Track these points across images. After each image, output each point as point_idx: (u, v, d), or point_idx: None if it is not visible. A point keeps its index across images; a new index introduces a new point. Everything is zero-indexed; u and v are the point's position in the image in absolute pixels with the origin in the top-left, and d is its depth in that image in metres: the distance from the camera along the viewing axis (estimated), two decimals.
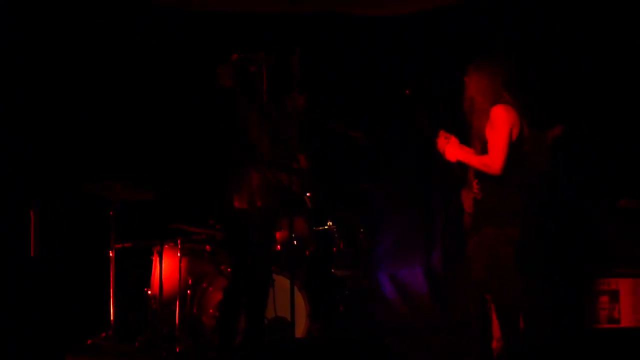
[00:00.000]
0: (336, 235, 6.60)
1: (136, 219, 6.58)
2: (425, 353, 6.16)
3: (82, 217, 6.65)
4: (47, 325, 5.31)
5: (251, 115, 5.43)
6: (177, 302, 6.07)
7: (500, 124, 5.03)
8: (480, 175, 5.13)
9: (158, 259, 6.24)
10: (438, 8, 7.34)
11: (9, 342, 5.14)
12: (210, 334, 5.98)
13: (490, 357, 5.31)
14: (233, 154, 5.56)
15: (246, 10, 7.22)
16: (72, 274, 6.28)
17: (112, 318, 6.11)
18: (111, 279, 6.15)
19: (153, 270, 6.37)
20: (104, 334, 6.11)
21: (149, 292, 6.35)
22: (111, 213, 6.18)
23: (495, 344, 6.12)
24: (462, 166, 5.20)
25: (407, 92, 5.36)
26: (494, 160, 5.01)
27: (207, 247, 6.40)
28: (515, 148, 5.06)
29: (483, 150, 5.11)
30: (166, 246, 6.28)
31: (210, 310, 6.05)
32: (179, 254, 6.19)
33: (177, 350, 5.93)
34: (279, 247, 6.34)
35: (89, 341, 6.12)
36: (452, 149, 5.17)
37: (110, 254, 6.19)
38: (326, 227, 6.65)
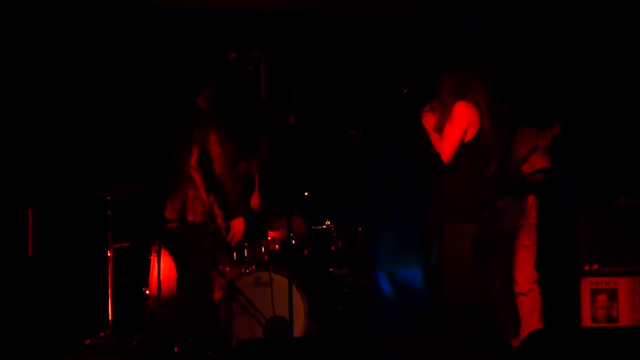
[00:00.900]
0: (334, 235, 6.60)
1: (134, 219, 6.57)
2: (424, 352, 6.15)
3: (80, 217, 6.64)
4: (45, 325, 5.30)
5: (210, 131, 5.58)
6: (175, 302, 6.06)
7: (456, 119, 5.42)
8: (446, 170, 5.41)
9: (156, 258, 6.23)
10: (438, 7, 7.34)
11: (7, 341, 5.14)
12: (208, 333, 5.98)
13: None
14: (178, 162, 5.69)
15: (244, 7, 7.21)
16: (70, 274, 6.27)
17: (110, 317, 6.11)
18: (109, 278, 6.15)
19: (151, 270, 6.37)
20: (102, 334, 6.11)
21: (147, 291, 6.34)
22: (109, 212, 6.17)
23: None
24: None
25: (405, 91, 5.39)
26: (443, 150, 5.39)
27: (205, 246, 6.39)
28: (471, 144, 5.26)
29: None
30: (164, 245, 6.27)
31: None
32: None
33: (175, 349, 5.92)
34: (277, 246, 6.34)
35: (88, 341, 6.13)
36: (429, 119, 5.37)
37: (108, 254, 6.19)
38: (324, 226, 6.65)
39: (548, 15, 6.83)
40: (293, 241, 6.32)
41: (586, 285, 6.20)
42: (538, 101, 6.70)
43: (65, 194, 6.44)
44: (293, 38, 7.15)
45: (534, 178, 6.00)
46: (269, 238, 6.35)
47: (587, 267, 6.23)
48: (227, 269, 6.23)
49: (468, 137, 5.50)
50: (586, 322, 6.16)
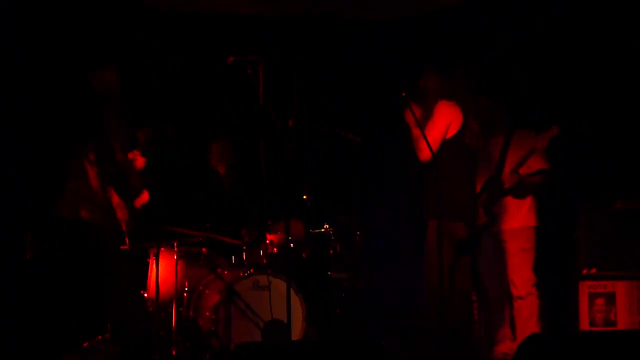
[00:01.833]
0: (333, 238, 6.60)
1: (133, 222, 6.56)
2: (422, 355, 6.14)
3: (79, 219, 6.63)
4: (43, 328, 5.30)
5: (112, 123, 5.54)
6: (174, 305, 6.06)
7: (438, 118, 5.45)
8: (427, 167, 5.41)
9: (154, 261, 6.23)
10: (438, 9, 7.35)
11: (5, 343, 5.13)
12: (206, 336, 5.97)
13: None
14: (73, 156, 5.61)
15: (245, 13, 7.22)
16: (68, 277, 6.25)
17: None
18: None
19: (149, 273, 6.37)
20: (100, 337, 6.10)
21: (145, 294, 6.34)
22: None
23: (489, 348, 6.14)
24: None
25: (403, 93, 5.39)
26: (422, 148, 5.37)
27: (204, 250, 6.40)
28: (452, 143, 5.29)
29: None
30: (162, 249, 6.27)
31: (207, 313, 6.04)
32: (175, 257, 6.19)
33: (174, 353, 5.92)
34: (275, 250, 6.34)
35: (85, 344, 6.12)
36: (408, 111, 5.39)
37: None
38: (323, 229, 6.65)
39: (548, 15, 6.83)
40: (291, 245, 6.33)
41: (584, 288, 6.20)
42: (536, 103, 6.71)
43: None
44: (292, 40, 7.15)
45: (532, 180, 6.01)
46: (268, 241, 6.35)
47: (585, 271, 6.23)
48: (226, 272, 6.23)
49: (449, 135, 5.48)
50: (584, 325, 6.16)
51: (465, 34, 7.09)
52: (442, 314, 5.24)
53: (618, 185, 6.47)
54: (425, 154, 5.39)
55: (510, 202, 6.03)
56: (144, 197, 6.05)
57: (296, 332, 5.87)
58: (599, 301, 6.18)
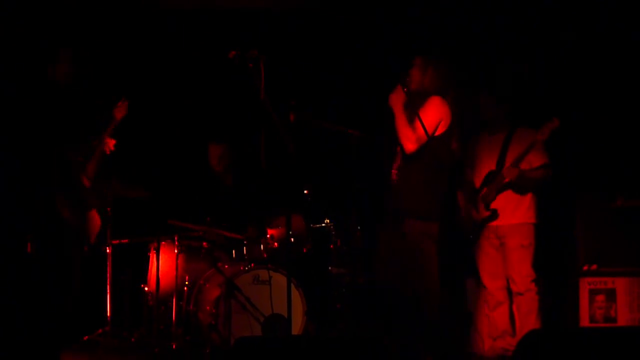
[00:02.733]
0: (333, 233, 6.60)
1: (133, 216, 6.57)
2: (423, 350, 6.15)
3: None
4: (43, 321, 5.30)
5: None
6: (174, 299, 6.07)
7: (431, 112, 5.25)
8: (403, 159, 5.29)
9: (155, 255, 6.24)
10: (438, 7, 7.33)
11: (5, 338, 5.14)
12: (207, 330, 5.98)
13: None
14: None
15: (244, 7, 7.21)
16: (68, 270, 6.26)
17: (108, 314, 6.10)
18: (108, 275, 6.15)
19: (150, 267, 6.38)
20: (100, 330, 6.12)
21: (146, 288, 6.35)
22: (108, 209, 6.17)
23: (488, 343, 6.14)
24: None
25: (405, 89, 5.37)
26: (412, 139, 5.22)
27: (204, 244, 6.41)
28: (439, 141, 5.21)
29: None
30: (163, 243, 6.28)
31: (207, 307, 6.05)
32: (175, 251, 6.20)
33: (174, 346, 5.93)
34: (276, 244, 6.35)
35: (86, 337, 6.13)
36: (396, 97, 5.29)
37: (107, 250, 6.18)
38: (323, 224, 6.65)
39: (548, 14, 6.83)
40: (292, 239, 6.33)
41: (584, 285, 6.20)
42: (537, 99, 6.71)
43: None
44: (293, 36, 7.14)
45: (533, 175, 6.01)
46: (268, 236, 6.36)
47: (585, 267, 6.24)
48: (226, 266, 6.24)
49: (438, 133, 5.35)
50: (584, 322, 6.17)
51: (466, 33, 7.08)
52: (442, 308, 5.24)
53: (618, 182, 6.47)
54: (412, 146, 5.24)
55: (510, 198, 6.03)
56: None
57: (296, 327, 5.88)
58: (599, 298, 6.19)
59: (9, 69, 5.90)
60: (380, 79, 7.48)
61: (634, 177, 6.44)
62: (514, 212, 6.03)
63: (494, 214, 6.03)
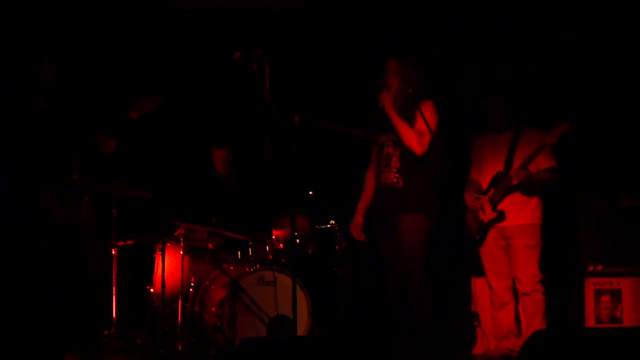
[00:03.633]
0: (338, 234, 6.60)
1: (138, 217, 6.57)
2: (427, 351, 6.14)
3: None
4: (48, 322, 5.30)
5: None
6: (179, 300, 6.07)
7: (433, 115, 5.45)
8: (405, 161, 5.39)
9: (160, 256, 6.24)
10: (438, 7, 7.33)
11: (10, 338, 5.14)
12: (212, 331, 5.99)
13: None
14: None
15: (247, 8, 7.21)
16: (74, 271, 6.26)
17: (114, 315, 6.11)
18: (113, 276, 6.15)
19: (155, 268, 6.38)
20: (105, 332, 6.12)
21: (151, 289, 6.35)
22: (114, 210, 6.17)
23: (493, 344, 6.14)
24: None
25: (410, 90, 5.38)
26: (423, 142, 5.39)
27: (210, 245, 6.41)
28: (438, 141, 5.33)
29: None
30: (168, 244, 6.28)
31: (212, 309, 6.06)
32: (181, 252, 6.19)
33: (179, 347, 5.93)
34: (281, 245, 6.34)
35: (90, 339, 6.13)
36: (387, 102, 5.36)
37: (113, 252, 6.19)
38: (328, 225, 6.65)
39: (547, 14, 6.83)
40: (297, 240, 6.33)
41: (590, 285, 6.19)
42: (544, 100, 6.70)
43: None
44: (297, 37, 7.14)
45: (541, 177, 6.00)
46: (273, 237, 6.36)
47: (591, 268, 6.23)
48: (231, 267, 6.24)
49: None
50: (590, 322, 6.16)
51: (467, 33, 7.07)
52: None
53: (623, 182, 6.46)
54: (421, 149, 5.39)
55: (516, 199, 6.02)
56: None
57: (301, 328, 5.88)
58: (605, 298, 6.18)
59: (9, 69, 5.92)
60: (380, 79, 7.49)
61: (638, 177, 6.43)
62: (519, 213, 6.03)
63: (501, 215, 6.02)
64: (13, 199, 5.47)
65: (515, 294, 6.08)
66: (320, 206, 6.66)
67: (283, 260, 6.27)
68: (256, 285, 6.01)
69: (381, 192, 5.58)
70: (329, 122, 5.87)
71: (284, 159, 5.16)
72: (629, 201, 6.29)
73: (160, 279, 6.11)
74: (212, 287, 6.18)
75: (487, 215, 6.05)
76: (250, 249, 6.42)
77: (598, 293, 6.17)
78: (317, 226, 6.64)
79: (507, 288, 6.10)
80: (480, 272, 6.24)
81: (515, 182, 5.95)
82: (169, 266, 6.19)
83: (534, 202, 6.04)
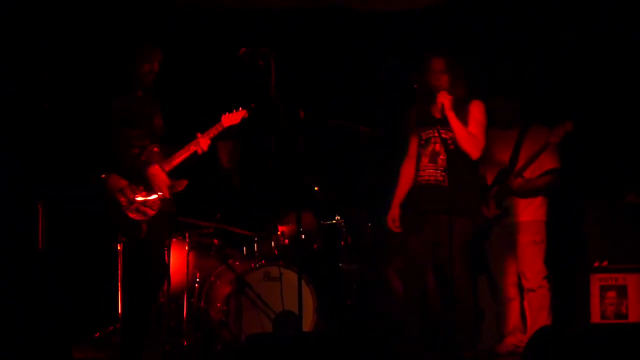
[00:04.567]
0: (344, 230, 6.60)
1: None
2: (432, 347, 6.15)
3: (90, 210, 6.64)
4: (54, 318, 5.31)
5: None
6: (185, 296, 6.08)
7: (484, 117, 5.40)
8: (454, 161, 5.28)
9: (166, 252, 6.24)
10: (439, 5, 7.32)
11: (17, 333, 5.15)
12: (217, 327, 5.99)
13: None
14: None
15: (252, 7, 7.22)
16: (79, 267, 6.28)
17: (119, 311, 6.11)
18: (119, 272, 6.15)
19: None
20: (111, 327, 6.13)
21: None
22: None
23: (508, 339, 6.13)
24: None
25: (416, 86, 5.38)
26: (479, 147, 5.35)
27: (215, 241, 6.41)
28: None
29: None
30: (174, 240, 6.28)
31: (218, 304, 6.06)
32: (186, 248, 6.20)
33: (184, 343, 5.94)
34: (287, 241, 6.35)
35: (97, 334, 6.15)
36: (447, 98, 5.31)
37: (118, 247, 6.18)
38: (334, 221, 6.65)
39: (547, 14, 6.82)
40: (303, 236, 6.34)
41: (595, 281, 6.18)
42: (549, 98, 6.69)
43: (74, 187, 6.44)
44: (303, 34, 7.14)
45: (539, 182, 6.02)
46: (279, 233, 6.36)
47: (596, 264, 6.22)
48: (237, 263, 6.25)
49: None
50: (595, 318, 6.15)
51: (471, 30, 7.06)
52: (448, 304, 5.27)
53: (629, 178, 6.46)
54: (478, 153, 5.36)
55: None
56: None
57: (307, 324, 5.89)
58: (610, 294, 6.17)
59: (9, 69, 5.93)
60: (380, 79, 7.50)
61: None
62: (525, 209, 6.04)
63: (505, 212, 6.02)
64: (13, 199, 5.49)
65: (521, 290, 6.08)
66: (326, 202, 6.66)
67: (288, 256, 6.28)
68: (262, 281, 6.01)
69: (422, 188, 5.44)
70: (335, 118, 5.87)
71: (290, 154, 5.16)
72: (634, 197, 6.28)
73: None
74: (218, 282, 6.19)
75: (492, 211, 6.05)
76: (255, 245, 6.42)
77: (603, 289, 6.17)
78: (322, 222, 6.64)
79: (512, 284, 6.10)
80: (486, 269, 6.24)
81: (513, 189, 5.99)
82: (174, 262, 6.18)
83: (539, 199, 6.05)
